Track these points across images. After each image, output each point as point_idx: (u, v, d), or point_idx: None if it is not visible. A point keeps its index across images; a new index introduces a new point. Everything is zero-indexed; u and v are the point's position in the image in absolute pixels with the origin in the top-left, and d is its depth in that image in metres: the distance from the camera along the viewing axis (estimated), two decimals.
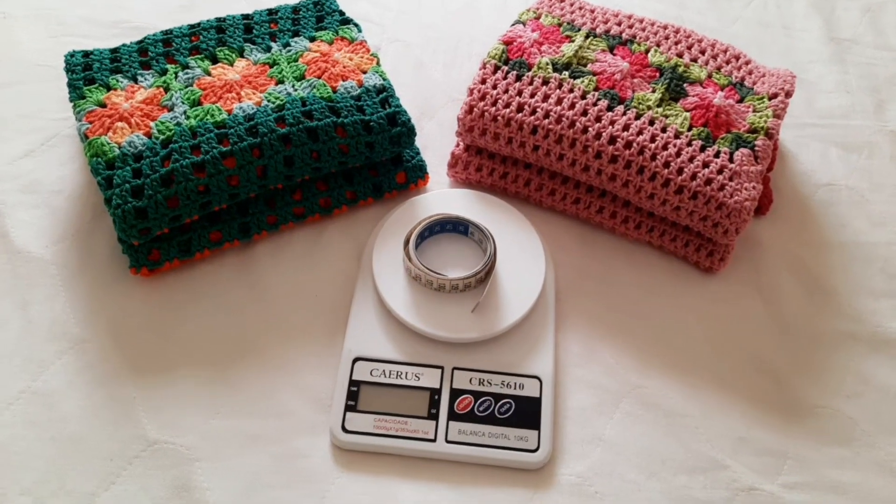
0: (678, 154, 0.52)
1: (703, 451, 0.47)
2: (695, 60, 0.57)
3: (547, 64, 0.55)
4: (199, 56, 0.55)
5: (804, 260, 0.56)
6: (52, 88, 0.61)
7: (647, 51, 0.57)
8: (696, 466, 0.46)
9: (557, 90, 0.54)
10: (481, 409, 0.47)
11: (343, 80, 0.54)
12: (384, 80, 0.55)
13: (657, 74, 0.56)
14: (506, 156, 0.56)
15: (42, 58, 0.64)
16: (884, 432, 0.48)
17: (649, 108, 0.53)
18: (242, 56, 0.56)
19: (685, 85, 0.55)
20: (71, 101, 0.53)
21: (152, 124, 0.50)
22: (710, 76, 0.56)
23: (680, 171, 0.51)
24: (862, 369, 0.51)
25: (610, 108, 0.53)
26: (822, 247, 0.57)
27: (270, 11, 0.59)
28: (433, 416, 0.46)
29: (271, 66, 0.55)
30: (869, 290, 0.55)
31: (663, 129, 0.53)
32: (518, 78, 0.55)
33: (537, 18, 0.60)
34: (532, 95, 0.54)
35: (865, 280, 0.55)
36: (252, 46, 0.56)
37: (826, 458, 0.47)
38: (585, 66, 0.56)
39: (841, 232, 0.58)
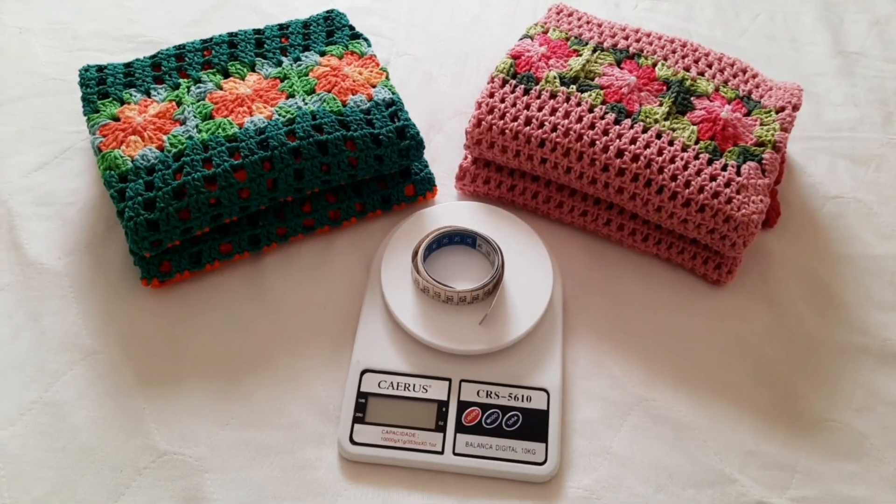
0: (685, 167, 0.52)
1: (712, 465, 0.47)
2: (702, 74, 0.57)
3: (554, 78, 0.56)
4: (211, 70, 0.56)
5: (812, 273, 0.56)
6: (67, 102, 0.62)
7: (655, 64, 0.57)
8: (704, 480, 0.46)
9: (565, 104, 0.54)
10: (489, 421, 0.47)
11: (353, 94, 0.55)
12: (393, 93, 0.55)
13: (664, 88, 0.56)
14: (514, 168, 0.57)
15: (57, 71, 0.65)
16: (893, 447, 0.48)
17: (656, 121, 0.54)
18: (254, 70, 0.56)
19: (692, 98, 0.55)
20: (85, 114, 0.54)
21: (165, 138, 0.51)
22: (717, 89, 0.56)
23: (687, 183, 0.51)
24: (871, 383, 0.51)
25: (617, 122, 0.54)
26: (830, 260, 0.57)
27: (282, 26, 0.60)
28: (441, 429, 0.47)
29: (282, 81, 0.55)
30: (878, 303, 0.55)
31: (670, 143, 0.53)
32: (526, 91, 0.56)
33: (545, 33, 0.60)
34: (540, 109, 0.54)
35: (874, 293, 0.55)
36: (263, 61, 0.57)
37: (835, 472, 0.47)
38: (593, 79, 0.56)
39: (849, 245, 0.58)
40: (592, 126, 0.53)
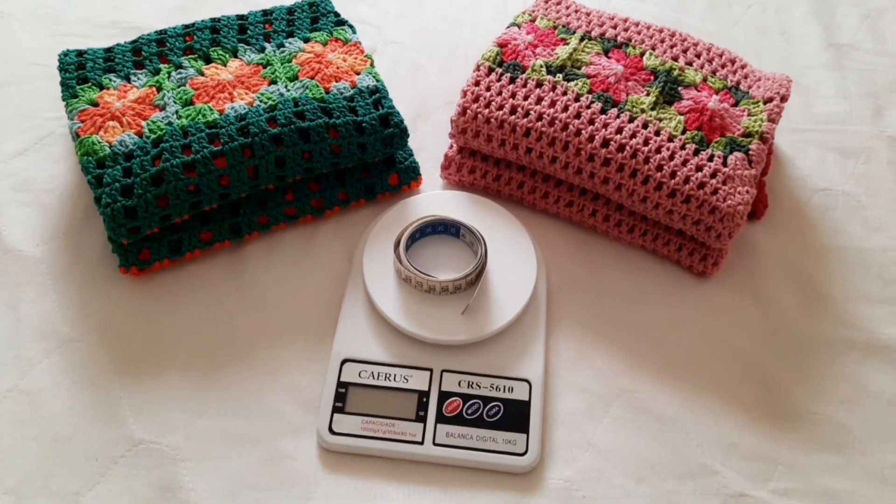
0: (671, 157, 0.51)
1: (693, 457, 0.46)
2: (690, 64, 0.57)
3: (541, 66, 0.55)
4: (192, 56, 0.55)
5: (799, 265, 0.56)
6: (49, 88, 0.61)
7: (643, 54, 0.57)
8: (685, 472, 0.46)
9: (551, 93, 0.54)
10: (470, 411, 0.47)
11: (336, 81, 0.54)
12: (377, 81, 0.55)
13: (652, 78, 0.55)
14: (499, 158, 0.56)
15: (39, 57, 0.65)
16: (877, 439, 0.48)
17: (643, 111, 0.53)
18: (236, 56, 0.56)
19: (680, 88, 0.55)
20: (64, 99, 0.53)
21: (144, 123, 0.50)
22: (705, 80, 0.56)
23: (673, 174, 0.51)
24: (856, 376, 0.50)
25: (603, 111, 0.53)
26: (817, 252, 0.57)
27: (265, 12, 0.59)
28: (421, 419, 0.46)
29: (265, 67, 0.55)
30: (864, 295, 0.54)
31: (657, 133, 0.52)
32: (512, 80, 0.55)
33: (533, 21, 0.59)
34: (525, 98, 0.54)
35: (861, 286, 0.55)
36: (246, 47, 0.56)
37: (818, 464, 0.47)
38: (580, 68, 0.56)
39: (837, 237, 0.57)
40: (578, 115, 0.53)
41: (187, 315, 0.50)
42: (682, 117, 0.53)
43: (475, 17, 0.72)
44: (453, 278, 0.49)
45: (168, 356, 0.49)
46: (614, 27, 0.59)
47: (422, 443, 0.45)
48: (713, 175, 0.51)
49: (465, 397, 0.47)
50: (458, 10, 0.73)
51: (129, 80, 0.54)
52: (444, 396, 0.47)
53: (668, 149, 0.52)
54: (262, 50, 0.56)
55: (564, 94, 0.54)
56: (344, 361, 0.48)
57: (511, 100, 0.54)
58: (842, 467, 0.46)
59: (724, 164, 0.51)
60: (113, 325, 0.50)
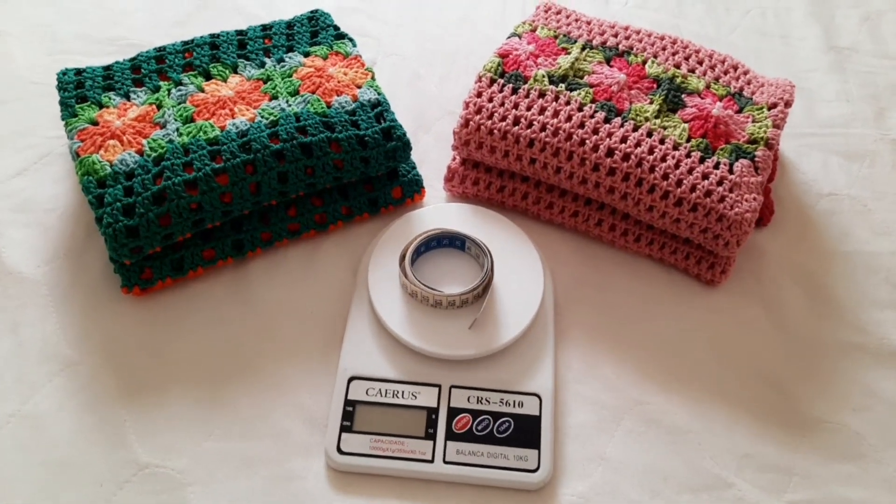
0: (677, 165, 0.51)
1: (707, 469, 0.46)
2: (693, 71, 0.57)
3: (543, 76, 0.55)
4: (192, 72, 0.55)
5: (807, 271, 0.55)
6: (47, 106, 0.61)
7: (645, 62, 0.57)
8: (700, 484, 0.45)
9: (554, 102, 0.53)
10: (480, 428, 0.46)
11: (337, 95, 0.53)
12: (379, 94, 0.54)
13: (655, 85, 0.55)
14: (503, 169, 0.56)
15: (37, 75, 0.64)
16: (892, 447, 0.47)
17: (647, 119, 0.53)
18: (236, 72, 0.55)
19: (683, 96, 0.55)
20: (63, 119, 0.52)
21: (144, 142, 0.50)
22: (708, 87, 0.56)
23: (679, 182, 0.50)
24: (868, 382, 0.50)
25: (607, 120, 0.53)
26: (824, 257, 0.56)
27: (265, 27, 0.59)
28: (430, 436, 0.45)
29: (265, 82, 0.54)
30: (873, 300, 0.54)
31: (661, 141, 0.52)
32: (514, 91, 0.55)
33: (533, 31, 0.59)
34: (528, 108, 0.53)
35: (870, 290, 0.54)
36: (246, 62, 0.56)
37: (833, 473, 0.46)
38: (582, 77, 0.55)
39: (844, 242, 0.57)
40: (582, 125, 0.52)
41: (191, 334, 0.50)
42: (686, 125, 0.53)
43: (473, 26, 0.72)
44: (460, 292, 0.49)
45: (172, 377, 0.48)
46: (615, 35, 0.59)
47: (432, 461, 0.45)
48: (720, 183, 0.50)
49: (475, 413, 0.46)
50: (456, 20, 0.72)
51: (128, 98, 0.53)
52: (453, 413, 0.46)
53: (673, 157, 0.51)
54: (263, 65, 0.56)
55: (567, 103, 0.53)
56: (351, 379, 0.47)
57: (514, 110, 0.53)
58: (857, 476, 0.46)
59: (731, 171, 0.51)
60: (116, 347, 0.49)
